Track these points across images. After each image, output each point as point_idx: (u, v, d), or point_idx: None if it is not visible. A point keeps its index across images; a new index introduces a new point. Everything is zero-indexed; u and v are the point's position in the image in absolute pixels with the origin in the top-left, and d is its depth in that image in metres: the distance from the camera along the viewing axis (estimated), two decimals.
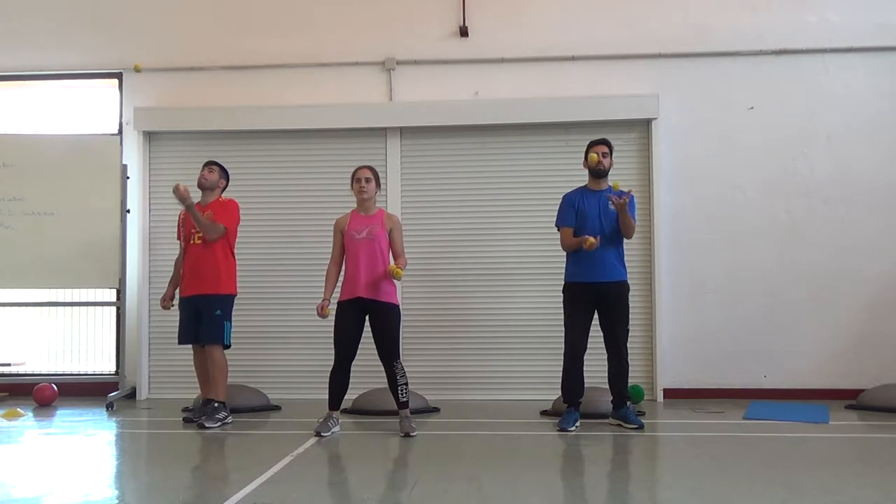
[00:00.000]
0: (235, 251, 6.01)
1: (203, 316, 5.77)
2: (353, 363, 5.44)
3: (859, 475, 4.24)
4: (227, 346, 5.86)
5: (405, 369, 5.50)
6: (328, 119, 7.12)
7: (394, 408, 5.51)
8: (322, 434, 5.27)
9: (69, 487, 4.13)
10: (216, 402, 5.75)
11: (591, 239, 5.31)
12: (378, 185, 5.61)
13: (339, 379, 5.41)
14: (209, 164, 6.05)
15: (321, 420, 5.37)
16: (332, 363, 5.42)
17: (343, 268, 5.51)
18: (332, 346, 5.42)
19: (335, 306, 5.47)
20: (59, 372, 7.39)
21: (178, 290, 6.03)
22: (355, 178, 5.53)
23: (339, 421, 5.49)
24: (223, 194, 6.05)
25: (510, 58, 7.11)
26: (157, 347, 7.18)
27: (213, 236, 5.75)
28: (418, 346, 7.00)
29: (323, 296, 5.47)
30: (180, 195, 5.64)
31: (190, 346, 5.93)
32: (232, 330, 5.89)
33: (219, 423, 5.67)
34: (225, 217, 5.86)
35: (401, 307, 6.55)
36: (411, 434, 5.28)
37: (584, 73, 7.07)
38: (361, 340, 5.46)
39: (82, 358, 7.54)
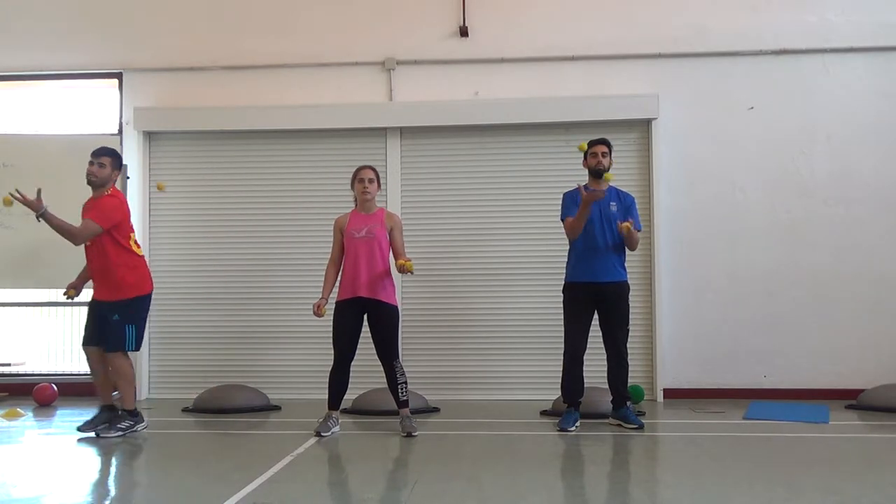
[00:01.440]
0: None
1: (106, 321, 5.39)
2: (353, 363, 5.44)
3: (859, 475, 4.24)
4: (135, 349, 5.51)
5: (405, 369, 5.50)
6: (328, 119, 7.12)
7: (394, 408, 5.51)
8: (322, 434, 5.27)
9: (69, 487, 4.13)
10: (123, 410, 5.44)
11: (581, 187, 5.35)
12: (379, 185, 5.61)
13: (338, 378, 5.41)
14: (98, 157, 5.37)
15: (321, 420, 5.37)
16: (332, 363, 5.42)
17: (342, 267, 5.51)
18: (332, 346, 5.42)
19: (333, 306, 5.47)
20: (59, 372, 7.39)
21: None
22: (358, 179, 5.51)
23: (340, 421, 5.49)
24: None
25: (510, 58, 7.11)
26: (157, 347, 7.19)
27: (81, 241, 5.28)
28: (418, 346, 7.00)
29: (321, 295, 5.47)
30: (30, 205, 5.06)
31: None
32: (139, 330, 5.49)
33: (120, 433, 5.31)
34: (97, 215, 5.30)
35: (400, 307, 6.58)
36: (413, 434, 5.28)
37: (583, 73, 7.06)
38: (361, 340, 5.45)
39: (82, 358, 7.50)
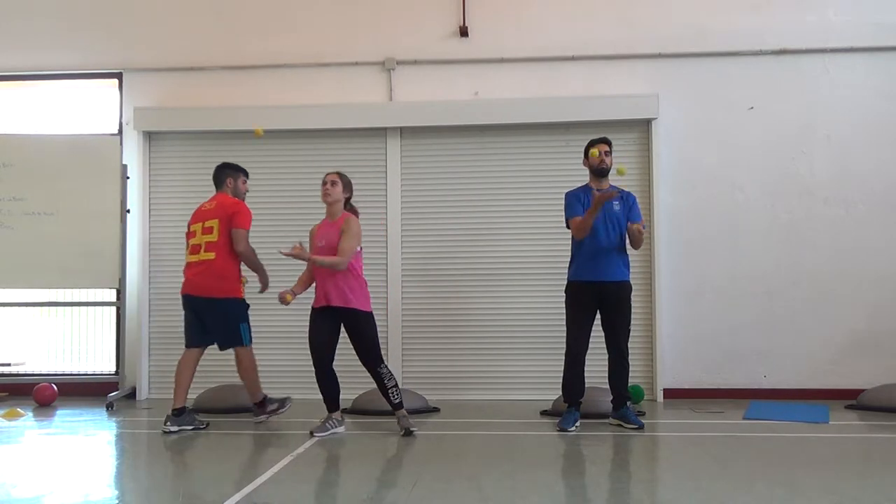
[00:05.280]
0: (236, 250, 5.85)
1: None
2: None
3: (859, 475, 4.24)
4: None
5: (391, 371, 5.41)
6: (328, 119, 7.13)
7: None
8: (315, 434, 5.23)
9: (69, 487, 4.13)
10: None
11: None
12: (347, 190, 5.40)
13: (324, 383, 5.35)
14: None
15: (321, 421, 5.37)
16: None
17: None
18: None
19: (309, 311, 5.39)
20: (59, 372, 7.39)
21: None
22: (322, 182, 5.37)
23: (344, 420, 5.47)
24: None
25: (510, 58, 7.11)
26: (157, 347, 7.19)
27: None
28: (418, 346, 7.01)
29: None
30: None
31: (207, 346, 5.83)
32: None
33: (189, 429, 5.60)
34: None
35: (400, 307, 6.62)
36: (411, 429, 5.26)
37: (584, 73, 7.07)
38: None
39: (82, 358, 7.53)
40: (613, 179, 5.71)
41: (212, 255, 5.60)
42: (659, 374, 6.78)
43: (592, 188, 5.60)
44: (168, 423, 5.52)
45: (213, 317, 5.65)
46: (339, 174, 5.43)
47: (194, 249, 5.70)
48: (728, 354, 6.84)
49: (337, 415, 5.43)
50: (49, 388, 6.82)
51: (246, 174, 6.01)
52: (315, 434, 5.26)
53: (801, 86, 6.95)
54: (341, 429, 5.41)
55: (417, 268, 7.08)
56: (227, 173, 5.90)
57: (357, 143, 7.15)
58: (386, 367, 5.39)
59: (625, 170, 5.59)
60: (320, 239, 5.34)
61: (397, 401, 5.40)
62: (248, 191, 6.01)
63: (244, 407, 6.29)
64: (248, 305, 5.82)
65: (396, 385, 5.41)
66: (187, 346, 5.73)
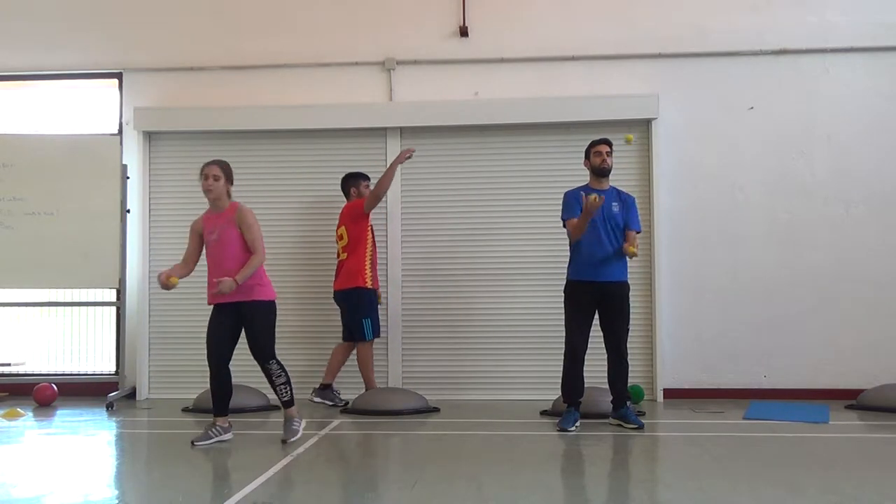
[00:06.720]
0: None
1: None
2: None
3: (859, 475, 4.24)
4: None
5: (285, 366, 5.16)
6: (328, 119, 7.12)
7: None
8: (196, 443, 4.96)
9: (69, 487, 4.13)
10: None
11: (592, 197, 5.24)
12: (230, 181, 5.12)
13: (217, 383, 5.09)
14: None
15: (204, 429, 5.08)
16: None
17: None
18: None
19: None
20: (59, 372, 7.39)
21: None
22: (202, 175, 5.08)
23: (230, 427, 5.16)
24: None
25: (510, 58, 7.11)
26: (157, 347, 7.18)
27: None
28: (418, 346, 7.00)
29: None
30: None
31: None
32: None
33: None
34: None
35: (400, 307, 6.60)
36: (289, 440, 4.96)
37: (584, 73, 7.07)
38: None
39: (82, 358, 7.53)
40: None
41: (344, 256, 6.48)
42: (659, 374, 6.78)
43: (592, 189, 5.61)
44: (313, 394, 6.51)
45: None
46: (221, 166, 5.11)
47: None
48: (728, 354, 6.84)
49: (222, 421, 5.12)
50: (49, 388, 6.82)
51: (365, 178, 6.64)
52: (196, 444, 4.96)
53: (801, 86, 6.95)
54: (228, 436, 5.11)
55: (417, 268, 7.08)
56: (349, 184, 6.62)
57: (357, 143, 7.14)
58: (277, 362, 5.10)
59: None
60: (210, 232, 5.07)
61: (286, 398, 5.10)
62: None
63: (244, 407, 6.30)
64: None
65: (288, 382, 5.10)
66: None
